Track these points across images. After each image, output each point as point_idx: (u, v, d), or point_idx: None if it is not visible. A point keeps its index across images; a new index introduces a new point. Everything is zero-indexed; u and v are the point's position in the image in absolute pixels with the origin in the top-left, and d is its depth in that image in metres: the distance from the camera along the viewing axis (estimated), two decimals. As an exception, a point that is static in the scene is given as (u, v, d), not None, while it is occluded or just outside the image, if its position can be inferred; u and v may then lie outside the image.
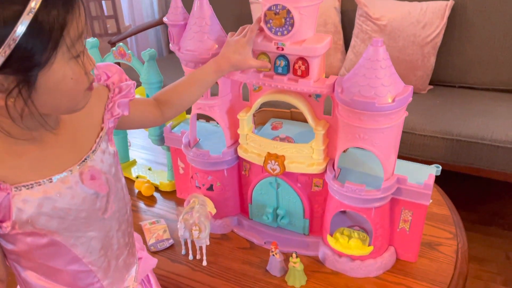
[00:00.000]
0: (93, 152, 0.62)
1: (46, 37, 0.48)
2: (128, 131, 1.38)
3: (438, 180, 0.96)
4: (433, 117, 1.71)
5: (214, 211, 1.03)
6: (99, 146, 0.63)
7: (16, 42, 0.46)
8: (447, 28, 1.88)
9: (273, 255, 0.94)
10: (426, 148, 1.67)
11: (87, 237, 0.62)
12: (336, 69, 2.11)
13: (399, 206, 0.91)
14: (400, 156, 0.90)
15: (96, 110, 0.65)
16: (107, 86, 0.68)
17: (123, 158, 1.36)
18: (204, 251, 0.99)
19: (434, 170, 0.93)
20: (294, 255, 0.91)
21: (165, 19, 0.93)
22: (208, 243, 0.97)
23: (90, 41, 1.17)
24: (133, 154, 1.42)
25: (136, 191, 1.26)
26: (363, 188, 0.85)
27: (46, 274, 0.62)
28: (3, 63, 0.46)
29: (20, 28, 0.46)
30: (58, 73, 0.50)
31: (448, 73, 2.00)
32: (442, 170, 0.94)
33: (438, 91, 1.98)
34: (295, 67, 0.85)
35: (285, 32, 0.81)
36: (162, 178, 1.28)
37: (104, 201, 0.62)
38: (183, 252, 1.02)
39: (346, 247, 0.93)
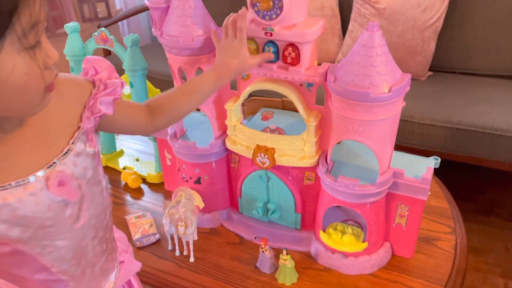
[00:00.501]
0: (64, 154, 0.55)
1: None
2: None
3: (437, 169, 0.91)
4: (432, 104, 1.66)
5: (202, 205, 0.99)
6: (73, 147, 0.56)
7: None
8: (448, 12, 1.81)
9: (263, 251, 0.90)
10: (424, 137, 1.62)
11: (55, 246, 0.56)
12: (333, 54, 2.05)
13: (395, 201, 0.87)
14: (397, 145, 0.85)
15: (74, 107, 0.59)
16: (93, 82, 0.62)
17: (110, 148, 1.31)
18: (191, 246, 0.95)
19: (432, 162, 0.88)
20: (284, 252, 0.87)
21: (146, 2, 0.87)
22: (196, 238, 0.93)
23: (71, 25, 1.11)
24: (120, 144, 1.36)
25: (123, 183, 1.21)
26: (357, 183, 0.80)
27: (13, 281, 0.57)
28: None
29: None
30: (7, 64, 0.44)
31: (449, 58, 1.94)
32: (441, 159, 0.90)
33: (438, 78, 1.92)
34: (284, 54, 0.80)
35: (274, 16, 0.75)
36: (150, 169, 1.23)
37: (76, 208, 0.56)
38: (169, 247, 0.98)
39: (339, 243, 0.89)
